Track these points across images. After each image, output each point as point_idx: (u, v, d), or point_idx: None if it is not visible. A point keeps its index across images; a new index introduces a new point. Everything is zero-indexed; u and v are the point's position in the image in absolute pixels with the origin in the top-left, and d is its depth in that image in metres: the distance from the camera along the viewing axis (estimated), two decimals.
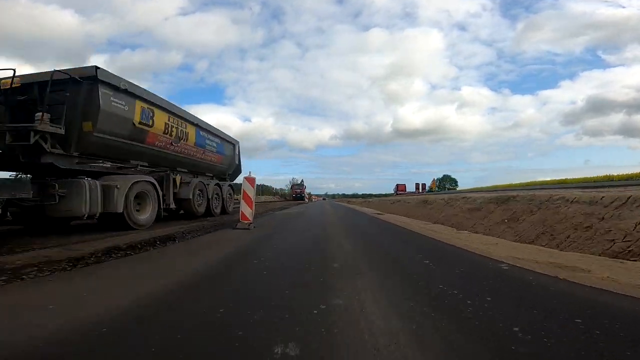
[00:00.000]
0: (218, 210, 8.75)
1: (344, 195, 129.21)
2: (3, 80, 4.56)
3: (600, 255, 3.35)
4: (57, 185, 4.39)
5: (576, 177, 27.11)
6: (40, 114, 4.18)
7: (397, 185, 61.63)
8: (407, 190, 58.28)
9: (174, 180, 6.82)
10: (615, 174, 22.64)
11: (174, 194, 6.78)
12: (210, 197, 8.18)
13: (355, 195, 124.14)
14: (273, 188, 63.69)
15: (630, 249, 3.14)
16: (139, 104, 5.65)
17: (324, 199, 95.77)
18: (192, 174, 7.94)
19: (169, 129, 6.60)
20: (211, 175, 9.10)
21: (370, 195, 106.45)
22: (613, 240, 3.43)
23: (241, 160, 10.85)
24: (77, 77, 4.62)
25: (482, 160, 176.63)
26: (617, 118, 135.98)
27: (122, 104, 5.24)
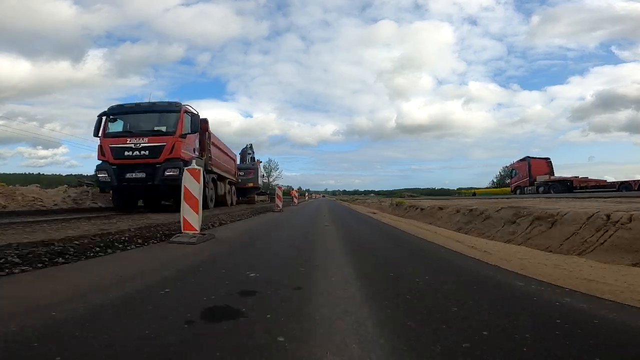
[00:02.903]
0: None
1: (345, 192, 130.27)
2: None
3: None
4: None
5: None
6: None
7: (529, 161, 27.07)
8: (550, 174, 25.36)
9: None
10: None
11: None
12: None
13: (356, 192, 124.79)
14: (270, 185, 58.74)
15: None
16: None
17: (323, 196, 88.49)
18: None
19: None
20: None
21: (372, 193, 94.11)
22: None
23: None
24: None
25: (483, 157, 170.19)
26: (624, 114, 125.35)
27: None
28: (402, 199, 19.22)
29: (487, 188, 60.83)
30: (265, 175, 58.24)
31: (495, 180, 63.87)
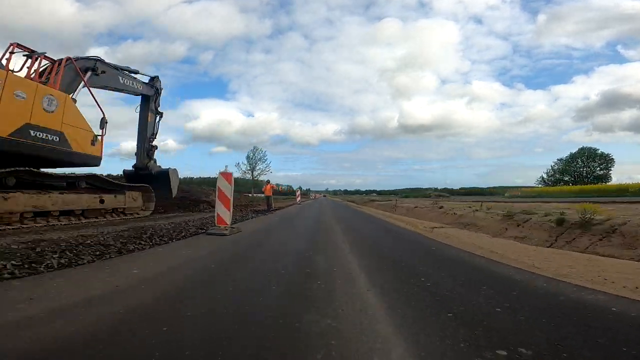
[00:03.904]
0: None
1: (346, 192, 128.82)
2: None
3: None
4: None
5: None
6: None
7: None
8: None
9: None
10: None
11: None
12: None
13: (357, 192, 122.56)
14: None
15: None
16: None
17: (324, 196, 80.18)
18: None
19: None
20: None
21: (373, 193, 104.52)
22: None
23: None
24: None
25: (485, 157, 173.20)
26: (629, 114, 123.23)
27: None
28: (593, 205, 7.23)
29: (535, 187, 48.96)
30: (248, 167, 44.92)
31: (545, 177, 51.91)
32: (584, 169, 47.25)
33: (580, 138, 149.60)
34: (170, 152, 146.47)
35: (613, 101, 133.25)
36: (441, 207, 12.24)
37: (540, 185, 49.92)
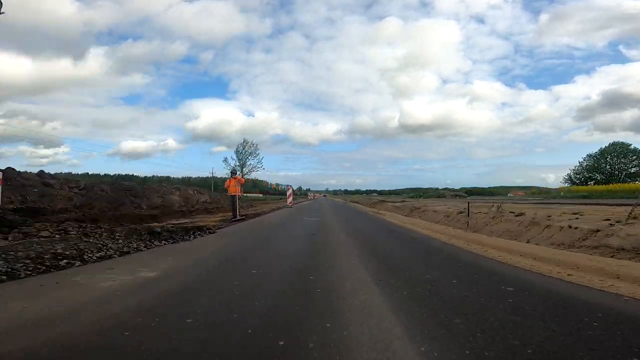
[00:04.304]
0: None
1: (346, 192, 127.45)
2: None
3: None
4: None
5: None
6: None
7: None
8: None
9: None
10: None
11: None
12: None
13: (358, 192, 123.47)
14: (268, 183, 57.81)
15: None
16: None
17: (324, 196, 77.75)
18: None
19: None
20: None
21: (374, 192, 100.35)
22: None
23: None
24: None
25: (485, 156, 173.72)
26: (630, 113, 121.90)
27: None
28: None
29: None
30: (237, 163, 38.00)
31: (572, 175, 47.42)
32: (616, 166, 42.87)
33: (581, 138, 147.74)
34: (171, 151, 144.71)
35: (614, 101, 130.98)
36: (520, 214, 7.74)
37: (567, 185, 45.70)
